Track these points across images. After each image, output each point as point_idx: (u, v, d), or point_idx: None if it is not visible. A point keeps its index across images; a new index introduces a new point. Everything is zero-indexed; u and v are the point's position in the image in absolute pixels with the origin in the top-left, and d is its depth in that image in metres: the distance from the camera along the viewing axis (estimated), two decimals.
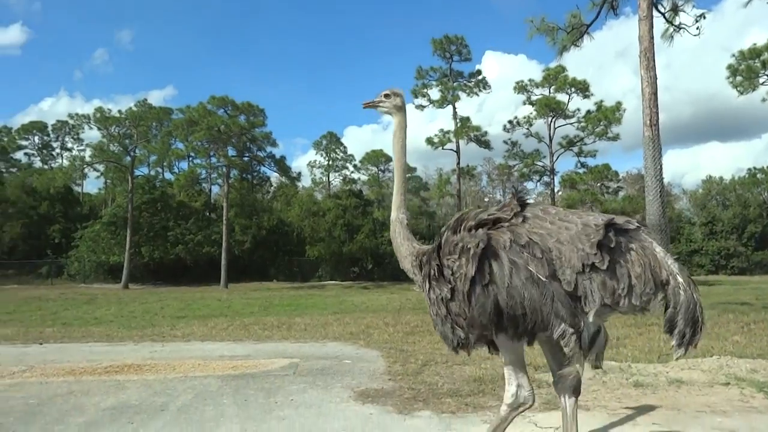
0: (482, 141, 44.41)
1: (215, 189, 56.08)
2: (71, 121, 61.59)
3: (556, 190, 47.06)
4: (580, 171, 46.18)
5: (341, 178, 61.50)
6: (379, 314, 15.31)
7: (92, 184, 68.44)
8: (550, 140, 44.96)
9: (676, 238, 51.39)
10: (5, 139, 60.50)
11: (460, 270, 3.11)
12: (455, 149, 44.51)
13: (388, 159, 58.77)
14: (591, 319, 2.94)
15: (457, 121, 43.92)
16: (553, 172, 45.47)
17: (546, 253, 2.96)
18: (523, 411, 3.30)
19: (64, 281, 44.82)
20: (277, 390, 6.27)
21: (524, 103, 45.51)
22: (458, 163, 45.01)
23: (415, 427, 4.86)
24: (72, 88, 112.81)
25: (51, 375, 7.28)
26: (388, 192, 59.72)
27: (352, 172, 60.45)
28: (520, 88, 45.22)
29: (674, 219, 52.56)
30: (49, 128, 63.27)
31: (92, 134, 59.66)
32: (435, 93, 44.54)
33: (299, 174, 51.46)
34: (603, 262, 2.89)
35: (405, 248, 3.68)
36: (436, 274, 3.28)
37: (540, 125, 45.31)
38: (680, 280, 2.90)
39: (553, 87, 44.20)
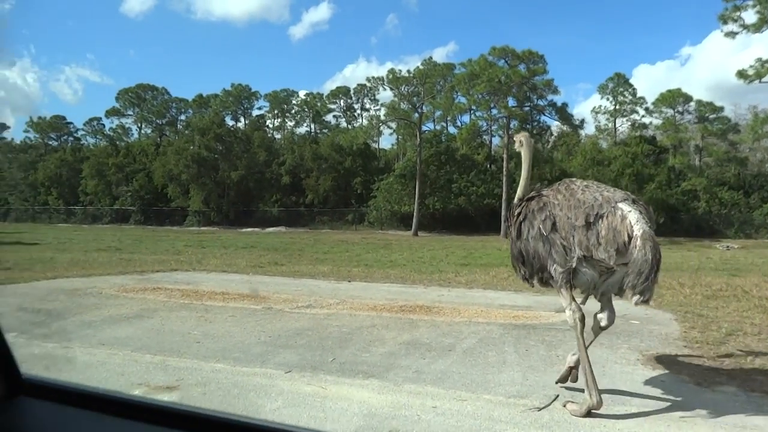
0: None
1: (495, 141, 56.85)
2: (368, 84, 69.20)
3: None
4: None
5: (629, 123, 56.38)
6: (673, 273, 13.86)
7: (386, 140, 75.44)
8: None
9: None
10: (318, 104, 71.34)
11: (510, 229, 4.62)
12: None
13: (688, 99, 51.68)
14: (574, 263, 3.97)
15: None
16: None
17: (550, 217, 4.13)
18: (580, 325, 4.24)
19: (365, 227, 51.20)
20: (558, 344, 6.25)
21: None
22: None
23: (716, 403, 4.35)
24: (369, 54, 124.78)
25: (358, 309, 8.45)
26: (686, 137, 52.92)
27: (643, 116, 54.67)
28: None
29: None
30: (351, 92, 71.95)
31: (386, 94, 65.95)
32: (750, 15, 37.27)
33: (582, 121, 48.98)
34: (583, 226, 3.93)
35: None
36: (506, 231, 4.70)
37: None
38: (638, 242, 3.69)
39: None
